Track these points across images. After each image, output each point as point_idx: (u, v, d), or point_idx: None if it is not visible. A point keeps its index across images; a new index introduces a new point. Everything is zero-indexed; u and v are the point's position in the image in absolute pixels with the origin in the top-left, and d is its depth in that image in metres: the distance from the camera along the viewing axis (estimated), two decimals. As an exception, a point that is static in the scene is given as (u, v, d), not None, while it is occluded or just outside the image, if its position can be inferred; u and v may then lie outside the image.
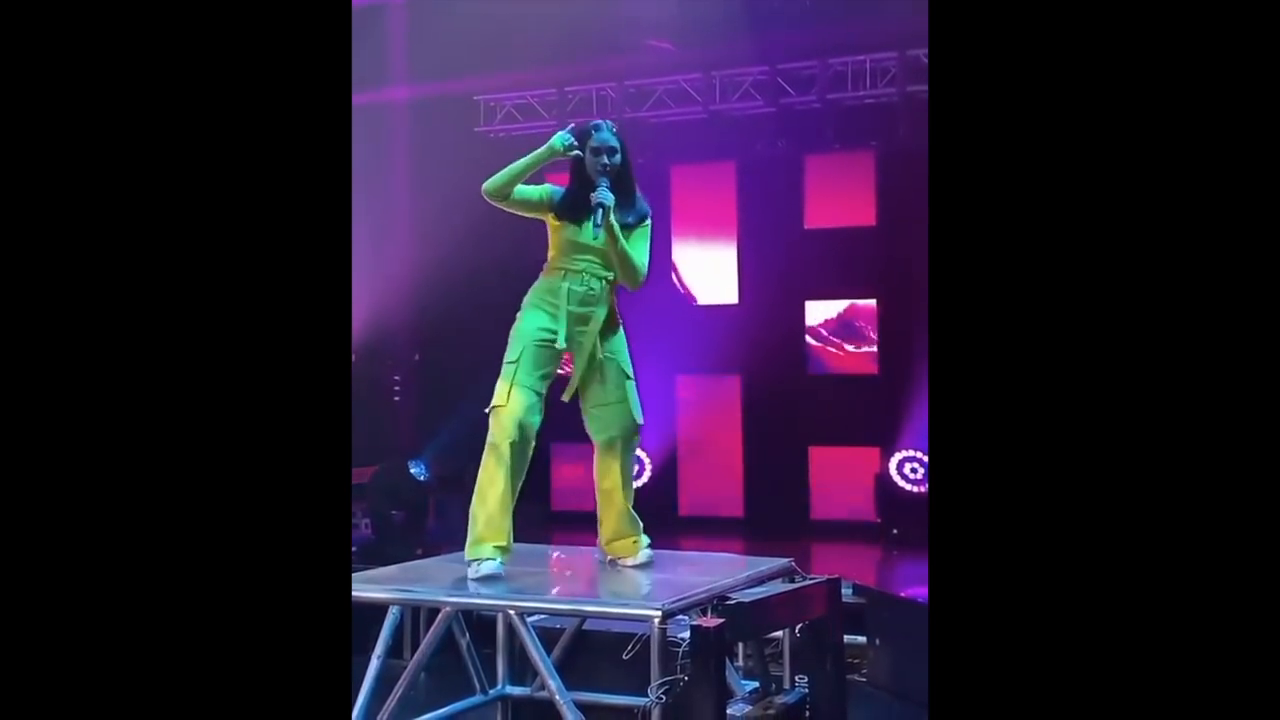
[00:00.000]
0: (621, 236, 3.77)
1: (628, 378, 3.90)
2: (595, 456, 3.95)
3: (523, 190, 3.74)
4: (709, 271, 10.62)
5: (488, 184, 3.71)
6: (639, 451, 10.23)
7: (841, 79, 9.61)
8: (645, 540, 3.92)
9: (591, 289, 3.81)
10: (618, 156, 3.81)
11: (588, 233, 3.74)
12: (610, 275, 3.85)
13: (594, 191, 3.72)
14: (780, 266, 10.09)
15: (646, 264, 3.87)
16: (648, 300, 10.11)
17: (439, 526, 8.75)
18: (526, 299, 3.85)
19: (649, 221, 3.91)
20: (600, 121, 3.90)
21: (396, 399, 11.03)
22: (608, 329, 3.88)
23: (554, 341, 3.76)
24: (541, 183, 3.82)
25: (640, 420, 3.91)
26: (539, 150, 3.73)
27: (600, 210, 3.68)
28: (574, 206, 3.79)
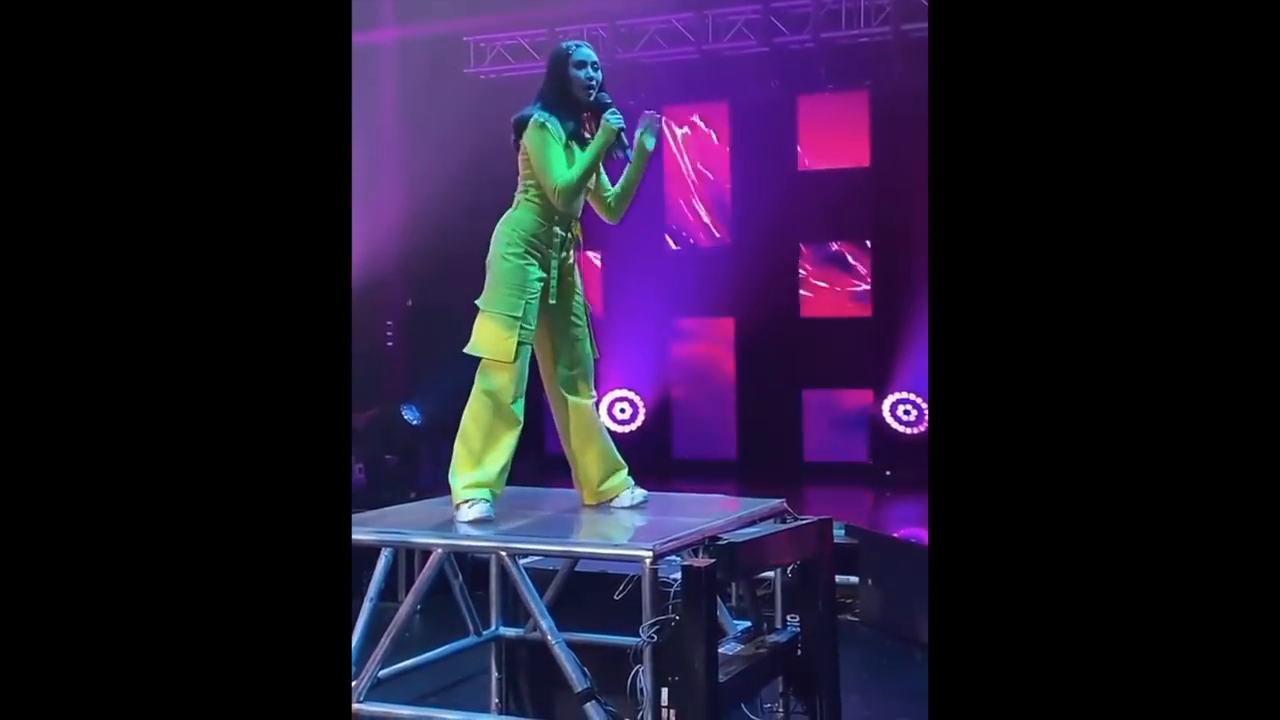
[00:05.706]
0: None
1: (587, 308, 3.81)
2: (570, 398, 3.77)
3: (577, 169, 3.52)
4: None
5: (565, 185, 3.51)
6: (632, 395, 10.43)
7: (835, 17, 9.50)
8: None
9: (571, 233, 3.68)
10: (600, 72, 3.62)
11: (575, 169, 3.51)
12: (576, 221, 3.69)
13: (606, 114, 3.52)
14: (774, 208, 10.04)
15: None
16: (641, 244, 10.18)
17: (432, 471, 8.77)
18: (509, 240, 3.61)
19: None
20: (573, 41, 3.72)
21: (389, 344, 11.01)
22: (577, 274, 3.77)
23: (547, 295, 3.65)
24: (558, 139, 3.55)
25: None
26: (599, 139, 3.52)
27: (623, 134, 3.52)
28: (574, 133, 3.59)
